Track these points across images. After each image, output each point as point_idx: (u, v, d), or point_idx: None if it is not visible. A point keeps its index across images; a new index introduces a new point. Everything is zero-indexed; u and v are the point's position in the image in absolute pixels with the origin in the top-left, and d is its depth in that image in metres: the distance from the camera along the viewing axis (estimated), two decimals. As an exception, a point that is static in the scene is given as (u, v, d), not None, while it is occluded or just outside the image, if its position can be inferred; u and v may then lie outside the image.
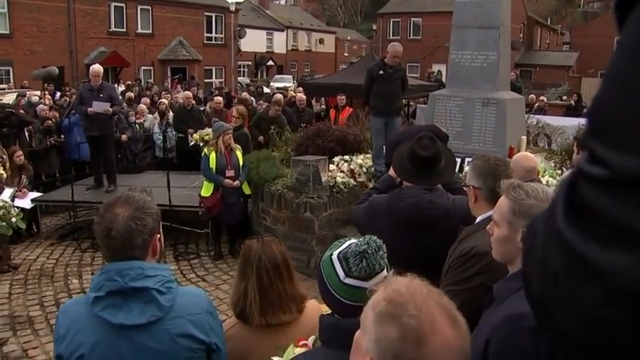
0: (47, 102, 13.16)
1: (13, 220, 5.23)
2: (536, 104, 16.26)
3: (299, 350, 2.13)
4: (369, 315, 1.28)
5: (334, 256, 1.92)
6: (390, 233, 2.18)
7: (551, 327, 0.75)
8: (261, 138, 10.54)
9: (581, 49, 48.18)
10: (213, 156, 8.06)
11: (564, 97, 24.02)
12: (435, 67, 24.94)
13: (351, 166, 8.50)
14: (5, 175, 7.32)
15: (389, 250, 1.98)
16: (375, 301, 1.28)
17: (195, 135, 10.20)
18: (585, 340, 0.69)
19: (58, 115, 11.83)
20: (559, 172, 7.58)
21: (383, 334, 1.22)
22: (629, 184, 0.62)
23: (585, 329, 0.68)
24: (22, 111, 11.25)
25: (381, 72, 8.50)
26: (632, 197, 0.62)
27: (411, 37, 46.10)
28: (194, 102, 13.31)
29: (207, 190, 8.22)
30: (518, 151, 7.29)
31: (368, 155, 8.75)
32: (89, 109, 9.21)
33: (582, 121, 12.52)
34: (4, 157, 8.10)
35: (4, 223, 5.08)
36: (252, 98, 15.43)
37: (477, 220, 3.01)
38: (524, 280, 0.82)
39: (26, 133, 10.74)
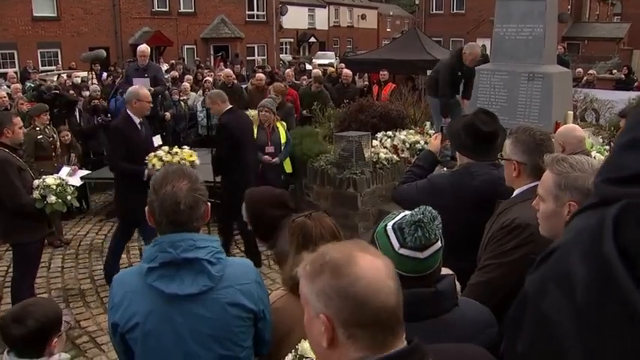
0: (95, 82, 13.42)
1: (69, 197, 5.38)
2: (585, 78, 15.86)
3: None
4: (304, 284, 1.34)
5: (389, 227, 1.91)
6: (452, 211, 2.16)
7: None
8: (304, 112, 10.61)
9: (632, 21, 46.14)
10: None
11: (614, 71, 23.26)
12: (480, 42, 24.39)
13: (394, 142, 8.47)
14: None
15: (449, 228, 1.97)
16: (302, 272, 1.35)
17: None
18: None
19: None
20: (607, 147, 7.40)
21: (320, 286, 1.28)
22: None
23: None
24: (72, 92, 11.51)
25: (460, 73, 8.05)
26: None
27: (455, 11, 45.19)
28: (235, 79, 13.40)
29: (248, 165, 8.26)
30: (564, 126, 7.13)
31: (411, 131, 8.69)
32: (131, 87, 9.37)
33: (633, 95, 12.16)
34: (55, 136, 8.34)
35: (60, 200, 5.22)
36: (289, 70, 15.27)
37: (515, 193, 2.95)
38: None
39: (76, 114, 11.00)
